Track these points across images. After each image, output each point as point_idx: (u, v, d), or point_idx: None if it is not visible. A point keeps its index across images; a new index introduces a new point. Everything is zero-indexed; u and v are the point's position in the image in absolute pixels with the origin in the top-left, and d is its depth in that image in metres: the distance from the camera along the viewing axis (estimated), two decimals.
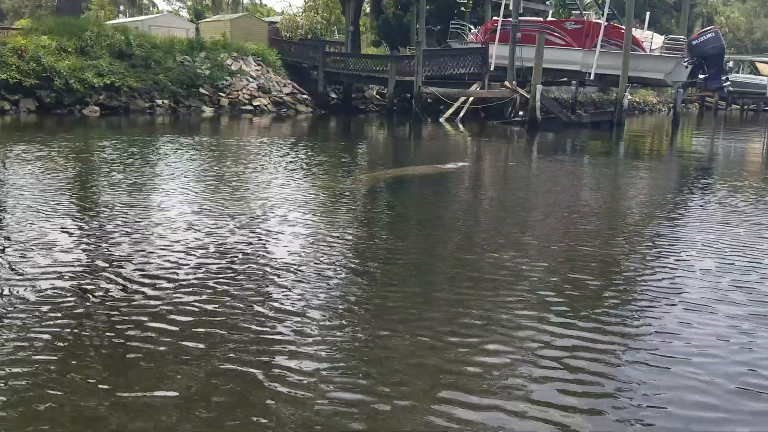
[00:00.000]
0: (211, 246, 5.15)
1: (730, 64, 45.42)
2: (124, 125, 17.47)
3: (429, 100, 23.23)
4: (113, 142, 12.78)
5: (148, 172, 9.08)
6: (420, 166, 11.34)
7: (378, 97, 27.99)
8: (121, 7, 58.50)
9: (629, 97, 38.88)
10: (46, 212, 6.17)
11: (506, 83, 22.53)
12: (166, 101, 21.47)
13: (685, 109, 45.98)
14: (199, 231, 5.63)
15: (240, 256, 4.94)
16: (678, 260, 5.17)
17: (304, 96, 25.84)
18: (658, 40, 22.10)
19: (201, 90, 22.84)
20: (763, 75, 43.80)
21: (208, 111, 22.19)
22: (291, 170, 9.84)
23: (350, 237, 5.73)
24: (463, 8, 34.02)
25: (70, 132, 14.87)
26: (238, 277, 4.42)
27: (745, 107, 45.64)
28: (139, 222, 5.90)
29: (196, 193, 7.53)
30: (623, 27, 21.53)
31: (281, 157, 11.55)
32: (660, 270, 4.91)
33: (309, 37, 36.27)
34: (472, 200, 8.32)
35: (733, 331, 3.70)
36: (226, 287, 4.18)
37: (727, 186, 9.85)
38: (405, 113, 23.09)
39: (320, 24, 37.06)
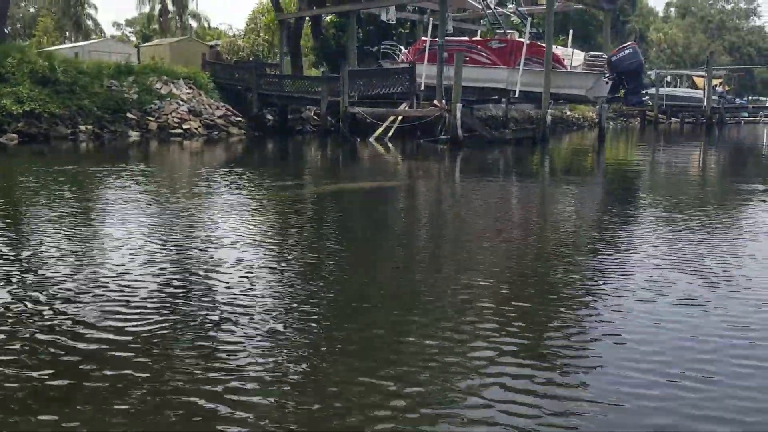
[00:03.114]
0: (154, 281, 4.93)
1: (668, 78, 46.91)
2: (38, 153, 17.17)
3: (368, 119, 23.30)
4: (26, 171, 12.56)
5: (60, 207, 8.76)
6: (331, 185, 11.39)
7: (315, 117, 28.06)
8: (67, 33, 57.80)
9: (569, 112, 39.83)
10: None
11: (435, 102, 22.79)
12: (89, 127, 21.20)
13: (627, 123, 47.12)
14: (142, 258, 5.53)
15: (184, 281, 4.91)
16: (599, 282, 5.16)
17: (238, 118, 25.81)
18: (579, 57, 22.64)
19: (128, 114, 22.64)
20: (699, 89, 45.18)
21: (134, 135, 21.98)
22: (215, 193, 9.78)
23: (290, 258, 5.79)
24: (401, 29, 34.52)
25: None
26: (183, 302, 4.40)
27: (684, 120, 46.95)
28: (79, 260, 5.50)
29: (129, 221, 7.37)
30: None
31: (201, 185, 11.48)
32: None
33: (251, 59, 36.31)
34: (369, 218, 8.36)
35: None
36: (170, 321, 4.06)
37: (639, 217, 8.77)
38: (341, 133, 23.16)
39: (262, 46, 37.10)
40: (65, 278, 4.94)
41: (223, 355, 3.49)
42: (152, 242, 6.20)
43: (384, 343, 3.77)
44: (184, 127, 23.53)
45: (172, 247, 6.03)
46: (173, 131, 23.18)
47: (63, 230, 6.72)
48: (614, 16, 39.41)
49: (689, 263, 5.53)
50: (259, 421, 2.81)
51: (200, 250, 5.94)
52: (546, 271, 5.43)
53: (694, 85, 48.57)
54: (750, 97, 59.08)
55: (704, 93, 39.49)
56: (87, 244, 6.18)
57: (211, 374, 3.25)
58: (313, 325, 4.00)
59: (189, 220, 7.48)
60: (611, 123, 44.08)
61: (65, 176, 11.60)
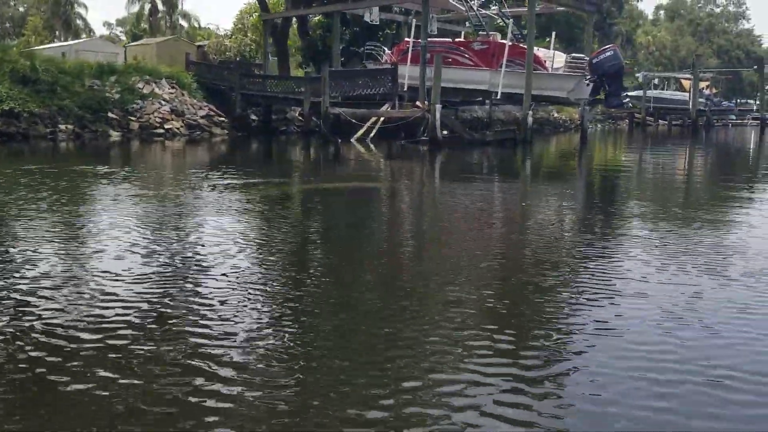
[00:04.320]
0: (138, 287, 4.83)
1: (656, 81, 47.05)
2: (13, 153, 17.12)
3: (353, 120, 23.25)
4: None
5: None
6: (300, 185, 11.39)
7: (300, 118, 28.04)
8: (57, 32, 57.62)
9: (556, 114, 39.94)
10: None
11: (417, 103, 22.81)
12: (69, 126, 21.13)
13: (616, 125, 47.25)
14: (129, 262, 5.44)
15: (166, 282, 4.87)
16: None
17: (221, 118, 25.78)
18: (561, 58, 22.70)
19: (110, 114, 22.58)
20: (687, 91, 45.29)
21: (114, 135, 21.93)
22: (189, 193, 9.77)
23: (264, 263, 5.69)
24: (387, 30, 34.54)
25: None
26: (168, 303, 4.37)
27: (672, 123, 47.08)
28: (59, 260, 5.44)
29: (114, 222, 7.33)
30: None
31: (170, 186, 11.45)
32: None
33: (238, 59, 36.28)
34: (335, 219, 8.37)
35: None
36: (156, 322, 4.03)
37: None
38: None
39: (249, 46, 37.08)
40: (46, 277, 4.93)
41: (209, 356, 3.48)
42: (130, 243, 6.13)
43: (369, 346, 3.75)
44: (166, 127, 23.49)
45: (151, 247, 5.99)
46: (155, 131, 23.14)
47: (40, 229, 6.71)
48: (601, 18, 39.55)
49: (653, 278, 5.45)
50: (244, 423, 2.81)
51: (177, 252, 5.89)
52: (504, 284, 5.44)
53: (682, 88, 48.73)
54: (738, 100, 59.35)
55: (690, 95, 39.60)
56: (67, 244, 6.09)
57: (197, 376, 3.24)
58: (297, 328, 3.97)
59: (166, 221, 7.46)
60: (599, 125, 44.28)
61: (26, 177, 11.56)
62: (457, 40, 26.00)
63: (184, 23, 58.93)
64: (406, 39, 25.94)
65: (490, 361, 3.46)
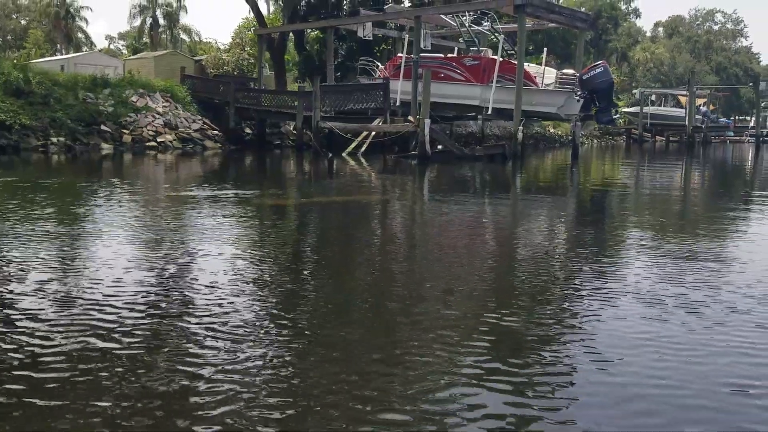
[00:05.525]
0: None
1: (653, 97, 47.19)
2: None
3: (348, 135, 23.32)
4: None
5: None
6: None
7: (294, 132, 28.20)
8: (58, 45, 58.11)
9: (552, 129, 40.09)
10: None
11: (410, 117, 22.91)
12: (61, 139, 21.25)
13: (613, 141, 47.36)
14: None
15: (159, 293, 4.83)
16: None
17: (215, 132, 25.90)
18: (551, 75, 22.79)
19: (102, 127, 22.69)
20: (684, 107, 45.46)
21: (106, 148, 22.03)
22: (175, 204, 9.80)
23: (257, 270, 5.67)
24: (384, 45, 34.78)
25: None
26: (162, 311, 4.35)
27: (669, 139, 47.19)
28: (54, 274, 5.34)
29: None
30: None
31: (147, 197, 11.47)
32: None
33: (236, 73, 36.51)
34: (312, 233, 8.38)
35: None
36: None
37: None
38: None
39: (247, 60, 37.34)
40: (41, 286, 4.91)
41: (204, 359, 3.48)
42: (116, 256, 6.04)
43: (368, 346, 3.76)
44: (159, 140, 23.59)
45: (139, 259, 5.95)
46: (148, 144, 23.24)
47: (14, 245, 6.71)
48: (596, 35, 39.72)
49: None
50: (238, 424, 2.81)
51: (168, 262, 5.86)
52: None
53: (680, 104, 48.94)
54: (736, 117, 59.54)
55: (686, 112, 39.74)
56: (60, 259, 5.96)
57: (191, 381, 3.23)
58: (294, 333, 3.97)
59: (152, 234, 7.44)
60: (595, 141, 44.40)
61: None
62: (449, 55, 26.15)
63: (186, 37, 59.43)
64: (399, 54, 26.12)
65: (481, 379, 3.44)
